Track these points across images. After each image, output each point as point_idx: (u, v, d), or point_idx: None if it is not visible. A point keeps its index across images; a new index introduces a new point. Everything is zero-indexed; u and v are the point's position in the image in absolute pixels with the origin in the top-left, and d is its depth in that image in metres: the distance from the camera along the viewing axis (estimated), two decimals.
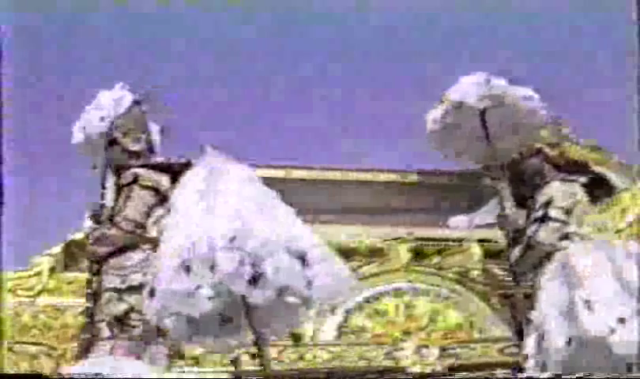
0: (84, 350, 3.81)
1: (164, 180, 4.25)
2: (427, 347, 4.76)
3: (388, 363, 4.67)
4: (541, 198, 4.86)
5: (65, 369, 3.28)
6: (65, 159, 5.03)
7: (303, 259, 2.87)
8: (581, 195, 4.93)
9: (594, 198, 5.81)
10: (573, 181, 5.02)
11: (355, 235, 5.30)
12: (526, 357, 3.35)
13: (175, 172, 4.26)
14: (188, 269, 2.77)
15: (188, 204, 2.99)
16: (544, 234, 4.70)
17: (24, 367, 4.52)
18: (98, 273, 4.04)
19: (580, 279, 3.26)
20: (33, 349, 4.62)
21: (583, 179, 5.06)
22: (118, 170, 4.30)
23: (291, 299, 2.80)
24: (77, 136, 4.43)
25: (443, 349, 4.78)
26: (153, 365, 3.81)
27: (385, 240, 5.14)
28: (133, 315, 3.91)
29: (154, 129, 4.67)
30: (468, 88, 5.15)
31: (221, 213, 2.86)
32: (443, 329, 4.95)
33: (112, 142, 4.35)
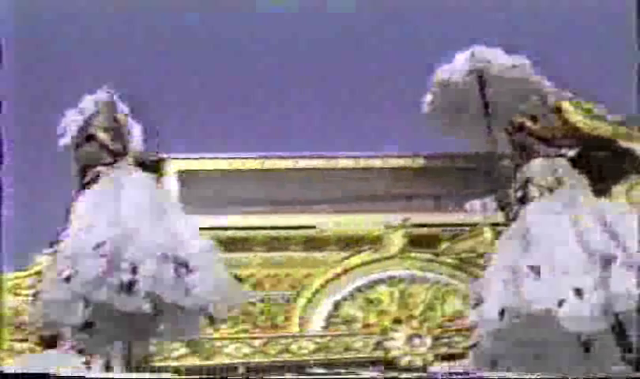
0: (47, 346, 3.88)
1: None
2: (419, 336, 4.58)
3: (377, 354, 4.51)
4: (520, 177, 4.58)
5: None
6: (65, 159, 5.16)
7: (186, 266, 2.82)
8: (566, 170, 4.59)
9: (621, 173, 5.45)
10: (559, 156, 4.70)
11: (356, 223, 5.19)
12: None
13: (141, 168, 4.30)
14: (68, 279, 2.78)
15: (80, 212, 3.01)
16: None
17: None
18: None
19: (533, 242, 3.00)
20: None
21: (572, 153, 4.72)
22: (84, 170, 4.35)
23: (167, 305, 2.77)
24: (63, 140, 4.54)
25: (436, 338, 4.58)
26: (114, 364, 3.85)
27: (387, 227, 4.97)
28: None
29: (136, 128, 4.73)
30: (455, 65, 4.99)
31: (102, 220, 2.87)
32: (440, 317, 4.75)
33: (89, 138, 4.41)
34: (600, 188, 5.47)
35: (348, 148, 5.86)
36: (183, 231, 3.06)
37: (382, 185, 5.47)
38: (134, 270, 2.81)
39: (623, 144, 5.64)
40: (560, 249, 2.88)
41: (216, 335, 4.49)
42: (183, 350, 4.43)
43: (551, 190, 4.53)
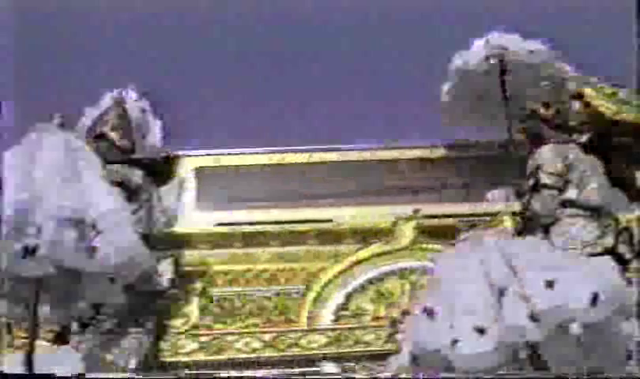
0: (55, 342, 3.95)
1: (137, 175, 4.34)
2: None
3: (389, 347, 4.46)
4: (532, 164, 4.48)
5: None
6: None
7: (93, 227, 2.80)
8: (576, 156, 4.47)
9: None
10: (569, 141, 4.58)
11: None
12: None
13: (149, 166, 4.37)
14: None
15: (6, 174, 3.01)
16: (539, 204, 4.33)
17: None
18: None
19: (442, 285, 3.00)
20: None
21: (584, 139, 4.61)
22: None
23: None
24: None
25: None
26: (122, 360, 3.91)
27: (397, 218, 4.91)
28: (101, 311, 4.02)
29: (155, 124, 4.80)
30: (471, 52, 4.93)
31: (13, 183, 2.87)
32: None
33: (100, 136, 4.49)
34: (625, 174, 5.37)
35: (365, 140, 5.79)
36: (96, 193, 3.04)
37: (397, 177, 5.40)
38: (38, 234, 2.82)
39: None
40: (466, 290, 2.84)
41: (228, 329, 4.54)
42: (195, 346, 4.48)
43: (561, 176, 4.43)
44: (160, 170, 4.82)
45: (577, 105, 5.53)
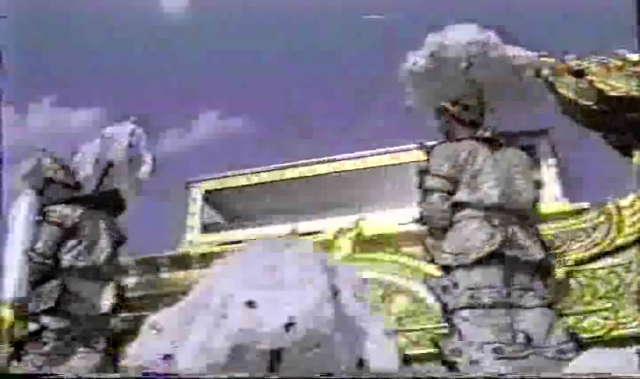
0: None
1: (72, 214, 4.90)
2: None
3: None
4: (421, 166, 4.25)
5: None
6: None
7: None
8: (469, 155, 4.13)
9: None
10: (473, 138, 4.21)
11: None
12: None
13: (92, 201, 4.92)
14: None
15: None
16: (425, 208, 4.13)
17: None
18: None
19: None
20: None
21: (487, 134, 4.25)
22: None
23: None
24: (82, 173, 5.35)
25: None
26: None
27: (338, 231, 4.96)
28: (44, 333, 4.67)
29: (147, 155, 5.37)
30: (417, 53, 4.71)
31: None
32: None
33: (49, 180, 5.15)
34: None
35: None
36: None
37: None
38: None
39: None
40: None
41: None
42: None
43: (448, 178, 4.14)
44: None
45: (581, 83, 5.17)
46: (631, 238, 4.52)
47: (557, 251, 4.68)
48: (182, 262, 5.26)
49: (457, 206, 4.08)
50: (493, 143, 4.25)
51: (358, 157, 5.65)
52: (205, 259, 5.37)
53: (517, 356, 3.81)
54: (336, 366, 2.88)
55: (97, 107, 13.99)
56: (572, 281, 4.57)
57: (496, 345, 3.82)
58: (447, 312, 4.01)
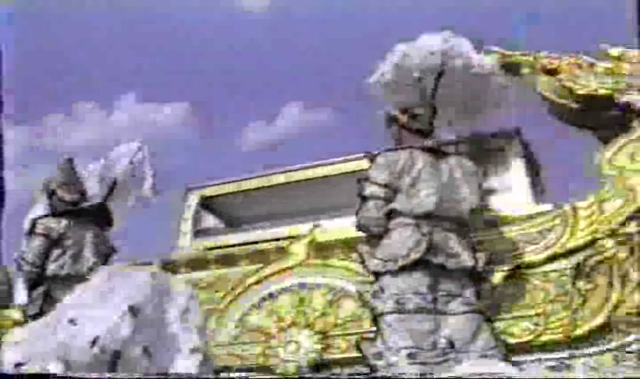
0: None
1: (58, 226, 5.34)
2: (296, 342, 4.72)
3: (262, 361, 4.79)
4: (361, 175, 4.38)
5: None
6: None
7: None
8: (405, 163, 4.20)
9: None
10: (418, 148, 4.29)
11: None
12: None
13: (78, 215, 5.34)
14: None
15: None
16: (361, 215, 4.27)
17: None
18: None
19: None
20: None
21: (430, 143, 4.33)
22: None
23: None
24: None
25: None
26: None
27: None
28: None
29: (149, 173, 5.79)
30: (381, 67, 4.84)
31: None
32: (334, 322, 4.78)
33: (52, 193, 5.62)
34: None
35: None
36: None
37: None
38: None
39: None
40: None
41: None
42: None
43: (385, 186, 4.22)
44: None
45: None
46: (582, 242, 4.48)
47: (514, 253, 4.69)
48: (169, 268, 5.57)
49: (392, 213, 4.20)
50: (437, 152, 4.33)
51: (314, 166, 5.80)
52: (193, 264, 5.67)
53: (432, 361, 3.91)
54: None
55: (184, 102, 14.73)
56: (527, 285, 4.56)
57: (412, 350, 3.93)
58: (374, 316, 4.15)
